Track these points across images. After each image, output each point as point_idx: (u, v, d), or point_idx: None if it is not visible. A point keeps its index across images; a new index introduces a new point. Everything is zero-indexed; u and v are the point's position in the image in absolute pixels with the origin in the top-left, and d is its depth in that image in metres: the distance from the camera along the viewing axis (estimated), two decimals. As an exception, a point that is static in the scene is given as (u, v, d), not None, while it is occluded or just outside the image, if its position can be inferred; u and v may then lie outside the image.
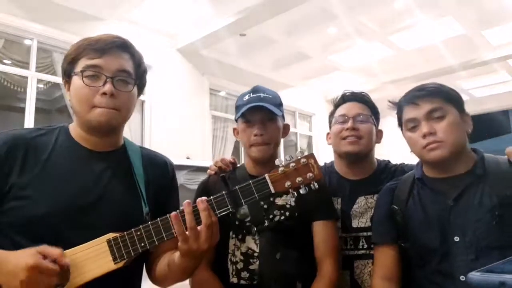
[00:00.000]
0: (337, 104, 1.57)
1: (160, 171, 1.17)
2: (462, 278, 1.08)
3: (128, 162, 1.10)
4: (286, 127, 1.47)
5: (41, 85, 4.35)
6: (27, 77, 4.02)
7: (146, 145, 4.15)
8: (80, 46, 1.04)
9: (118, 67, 1.04)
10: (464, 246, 1.11)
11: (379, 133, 1.55)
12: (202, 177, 1.52)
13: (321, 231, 1.34)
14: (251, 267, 1.30)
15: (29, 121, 3.93)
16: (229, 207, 0.93)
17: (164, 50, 5.06)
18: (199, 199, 0.93)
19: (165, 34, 5.04)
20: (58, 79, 4.26)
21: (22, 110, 3.98)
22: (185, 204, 0.92)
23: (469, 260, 1.09)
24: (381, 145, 1.59)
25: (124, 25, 4.62)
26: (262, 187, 0.95)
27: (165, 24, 4.88)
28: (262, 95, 1.38)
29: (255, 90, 1.41)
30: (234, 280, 1.31)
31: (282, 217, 1.33)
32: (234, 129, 1.48)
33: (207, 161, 4.51)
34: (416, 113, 1.19)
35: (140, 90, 1.14)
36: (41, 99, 4.72)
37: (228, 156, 1.56)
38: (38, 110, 4.07)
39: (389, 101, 1.33)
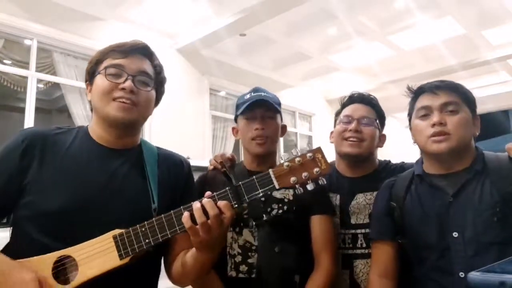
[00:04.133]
0: (344, 104, 1.57)
1: (175, 170, 1.18)
2: (461, 274, 1.07)
3: (142, 160, 1.12)
4: (284, 128, 1.51)
5: (41, 85, 4.35)
6: (27, 77, 4.02)
7: (146, 145, 4.13)
8: (105, 50, 1.10)
9: (140, 68, 1.09)
10: (463, 242, 1.10)
11: (382, 137, 1.55)
12: (202, 177, 1.53)
13: (318, 225, 1.35)
14: (249, 260, 1.32)
15: (29, 121, 3.93)
16: (233, 203, 0.92)
17: (164, 50, 5.06)
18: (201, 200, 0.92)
19: (165, 34, 5.04)
20: (58, 79, 4.26)
21: (22, 110, 3.98)
22: (193, 204, 0.92)
23: (468, 256, 1.09)
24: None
25: (124, 25, 4.62)
26: (266, 183, 0.93)
27: (165, 24, 4.88)
28: (262, 93, 1.43)
29: (255, 89, 1.47)
30: (233, 273, 1.32)
31: (280, 211, 1.35)
32: (233, 128, 1.51)
33: (207, 161, 4.47)
34: (432, 102, 1.20)
35: (159, 97, 1.19)
36: (41, 99, 4.73)
37: (228, 154, 1.58)
38: (38, 110, 4.07)
39: (408, 87, 1.30)
